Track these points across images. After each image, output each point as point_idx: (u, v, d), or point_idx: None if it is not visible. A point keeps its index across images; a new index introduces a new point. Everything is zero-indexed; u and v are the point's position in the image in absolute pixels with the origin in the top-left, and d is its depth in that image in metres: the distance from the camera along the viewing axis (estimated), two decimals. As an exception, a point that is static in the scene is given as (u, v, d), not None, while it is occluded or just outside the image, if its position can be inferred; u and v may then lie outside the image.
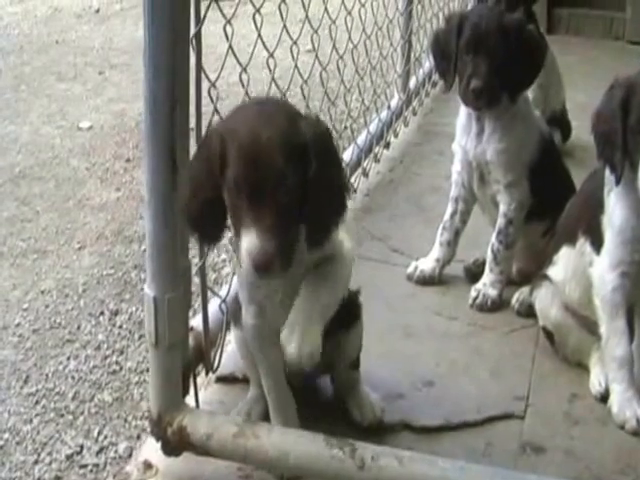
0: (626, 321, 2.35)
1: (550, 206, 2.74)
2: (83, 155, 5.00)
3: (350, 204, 3.27)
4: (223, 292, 2.27)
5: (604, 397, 2.39)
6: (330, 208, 1.75)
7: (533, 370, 2.51)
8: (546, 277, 2.59)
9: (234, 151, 1.67)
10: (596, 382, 2.43)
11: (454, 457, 1.91)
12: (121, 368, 3.27)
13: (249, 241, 1.64)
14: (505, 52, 2.72)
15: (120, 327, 3.47)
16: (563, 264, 2.53)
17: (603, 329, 2.37)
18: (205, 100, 2.03)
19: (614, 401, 2.34)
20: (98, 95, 5.98)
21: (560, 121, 3.93)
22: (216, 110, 2.07)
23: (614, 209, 2.32)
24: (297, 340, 1.77)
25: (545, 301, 2.58)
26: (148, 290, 1.89)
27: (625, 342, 2.34)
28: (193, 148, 1.92)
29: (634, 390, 2.33)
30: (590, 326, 2.47)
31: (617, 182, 2.27)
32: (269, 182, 1.65)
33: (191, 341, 2.04)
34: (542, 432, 2.27)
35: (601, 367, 2.44)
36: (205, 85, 2.00)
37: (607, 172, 2.33)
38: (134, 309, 3.55)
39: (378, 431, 2.14)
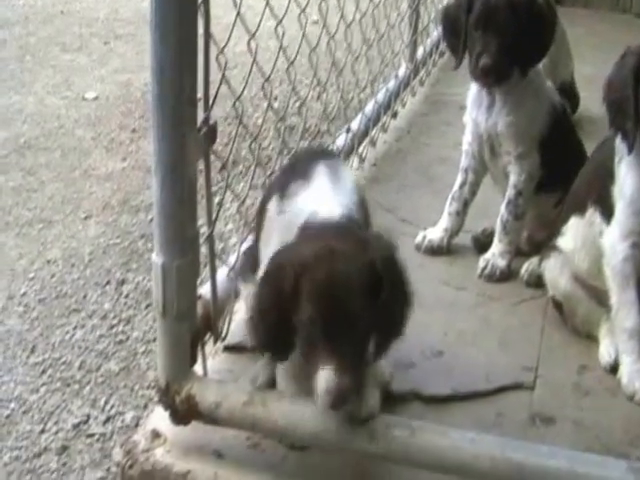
0: (636, 292, 2.31)
1: (561, 177, 2.70)
2: (89, 125, 4.96)
3: (357, 174, 3.28)
4: (231, 260, 2.24)
5: (614, 368, 2.36)
6: (397, 325, 1.76)
7: (542, 341, 2.47)
8: (555, 247, 2.55)
9: (311, 289, 1.65)
10: (606, 353, 2.40)
11: (464, 427, 1.88)
12: (127, 337, 3.25)
13: (326, 380, 1.63)
14: (515, 28, 2.67)
15: (126, 296, 3.45)
16: (572, 234, 2.49)
17: (613, 300, 2.34)
18: (212, 67, 1.99)
19: (624, 372, 2.31)
20: (103, 65, 5.94)
21: (569, 93, 3.88)
22: (224, 77, 2.03)
23: (625, 179, 2.29)
24: (359, 407, 1.79)
25: (554, 271, 2.54)
26: (156, 258, 1.85)
27: (635, 313, 2.30)
28: (200, 116, 1.88)
29: None
30: (599, 297, 2.43)
31: (629, 151, 2.23)
32: (347, 321, 1.64)
33: (199, 310, 2.00)
34: (551, 403, 2.24)
35: (611, 338, 2.41)
36: (213, 53, 1.96)
37: (618, 141, 2.30)
38: (141, 278, 3.53)
39: (387, 400, 2.11)
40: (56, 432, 2.84)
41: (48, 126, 4.96)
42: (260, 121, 4.38)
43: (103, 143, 4.73)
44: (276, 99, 4.51)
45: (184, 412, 1.91)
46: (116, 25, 6.79)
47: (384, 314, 1.69)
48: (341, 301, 1.63)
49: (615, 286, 2.33)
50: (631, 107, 2.20)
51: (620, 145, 2.29)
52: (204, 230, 2.07)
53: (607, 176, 2.34)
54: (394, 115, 3.80)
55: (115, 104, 5.23)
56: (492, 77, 2.72)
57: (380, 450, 1.79)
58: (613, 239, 2.32)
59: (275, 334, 1.73)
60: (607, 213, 2.34)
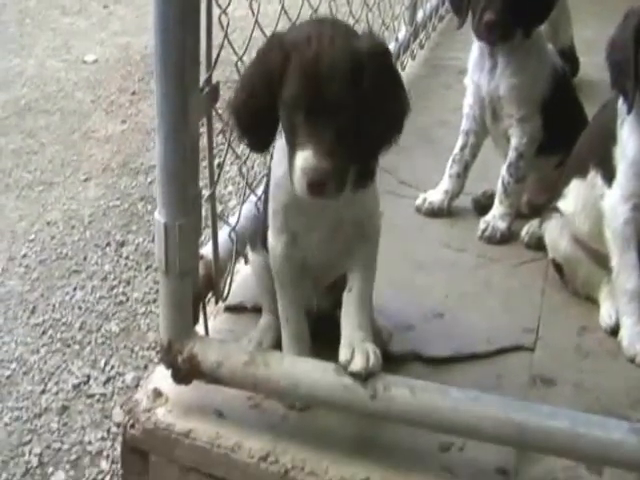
0: (637, 255, 2.30)
1: (562, 140, 2.67)
2: (88, 88, 4.92)
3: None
4: (233, 221, 2.21)
5: (614, 331, 2.34)
6: (383, 128, 1.70)
7: (543, 303, 2.45)
8: (556, 209, 2.53)
9: (297, 67, 1.63)
10: (606, 315, 2.38)
11: (464, 389, 1.87)
12: (128, 299, 3.24)
13: (305, 159, 1.61)
14: None
15: (127, 258, 3.44)
16: (573, 197, 2.47)
17: (614, 262, 2.33)
18: (215, 29, 1.96)
19: (624, 335, 2.30)
20: (103, 29, 5.89)
21: (568, 57, 3.84)
22: (227, 36, 2.00)
23: (627, 141, 2.26)
24: (361, 362, 1.78)
25: (554, 233, 2.52)
26: (158, 216, 1.83)
27: (636, 276, 2.29)
28: (203, 75, 1.86)
29: None
30: (600, 259, 2.41)
31: (629, 111, 2.22)
32: (330, 101, 1.61)
33: (201, 270, 1.98)
34: (552, 365, 2.22)
35: (611, 300, 2.39)
36: (215, 15, 1.93)
37: (620, 103, 2.28)
38: (141, 240, 3.52)
39: (387, 361, 2.09)
40: (56, 392, 2.84)
41: (48, 89, 4.92)
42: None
43: (103, 106, 4.70)
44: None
45: (186, 371, 1.89)
46: (115, -12, 6.73)
47: (368, 107, 1.65)
48: (326, 79, 1.61)
49: (616, 248, 2.32)
50: (631, 68, 2.18)
51: (622, 107, 2.26)
52: (206, 193, 2.05)
53: (609, 138, 2.32)
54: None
55: (115, 67, 5.19)
56: (496, 33, 2.68)
57: (380, 409, 1.78)
58: (614, 201, 2.30)
59: (258, 119, 1.72)
60: (608, 175, 2.32)
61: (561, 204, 2.51)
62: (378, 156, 1.76)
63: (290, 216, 1.86)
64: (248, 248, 2.17)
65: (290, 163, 1.66)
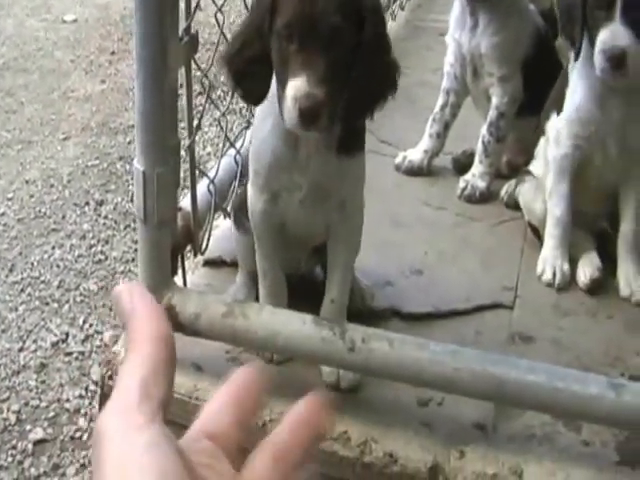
0: (570, 188, 2.34)
1: (543, 101, 2.63)
2: (68, 48, 4.85)
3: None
4: (212, 174, 2.17)
5: (591, 289, 2.33)
6: (377, 80, 1.65)
7: (522, 262, 2.43)
8: (529, 172, 2.52)
9: None
10: (582, 274, 2.36)
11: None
12: (106, 257, 3.20)
13: (297, 86, 1.55)
14: None
15: (105, 217, 3.40)
16: (542, 157, 2.46)
17: (548, 186, 2.38)
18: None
19: (542, 254, 2.38)
20: (83, -12, 5.79)
21: (549, 19, 3.80)
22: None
23: (576, 86, 2.29)
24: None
25: (528, 196, 2.51)
26: (137, 165, 1.78)
27: (565, 205, 2.34)
28: (183, 20, 1.81)
29: (563, 249, 2.35)
30: (574, 219, 2.39)
31: (576, 57, 2.22)
32: (323, 27, 1.56)
33: (179, 221, 1.94)
34: (531, 323, 2.20)
35: (588, 259, 2.37)
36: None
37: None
38: (119, 200, 3.47)
39: (367, 317, 2.07)
40: (35, 350, 2.81)
41: (27, 48, 4.85)
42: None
43: (82, 65, 4.63)
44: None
45: (163, 323, 1.85)
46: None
47: (364, 55, 1.61)
48: (318, 7, 1.56)
49: (552, 174, 2.36)
50: (579, 13, 2.16)
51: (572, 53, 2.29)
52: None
53: (565, 82, 2.35)
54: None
55: (94, 27, 5.12)
56: None
57: (358, 362, 1.74)
58: (559, 131, 2.32)
59: (252, 66, 1.67)
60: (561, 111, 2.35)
61: (532, 166, 2.51)
62: (372, 110, 1.70)
63: (272, 176, 1.81)
64: (232, 226, 2.12)
65: (280, 98, 1.61)
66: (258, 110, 1.83)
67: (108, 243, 3.27)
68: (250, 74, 1.68)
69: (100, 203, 3.47)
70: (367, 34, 1.60)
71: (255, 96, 1.72)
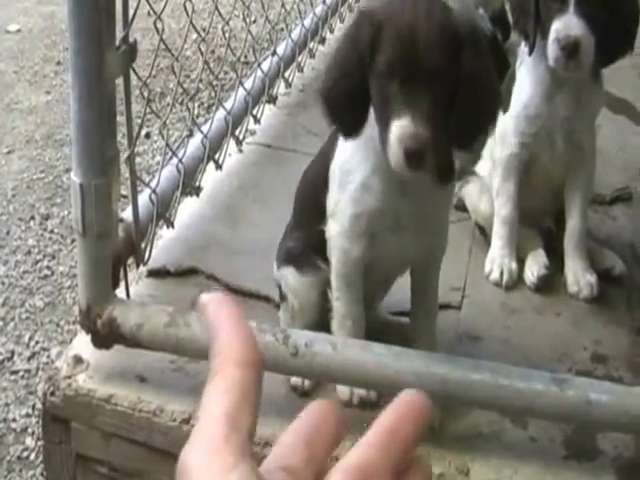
0: (517, 187, 2.41)
1: None
2: (11, 59, 4.86)
3: (285, 100, 3.26)
4: (153, 184, 2.22)
5: (538, 287, 2.41)
6: (478, 113, 1.66)
7: (470, 262, 2.50)
8: (474, 173, 2.60)
9: (391, 33, 1.59)
10: (529, 273, 2.44)
11: (387, 344, 1.90)
12: (53, 273, 3.23)
13: (401, 126, 1.55)
14: None
15: (51, 232, 3.42)
16: (489, 157, 2.53)
17: (495, 186, 2.45)
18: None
19: (489, 253, 2.45)
20: (26, -3, 5.80)
21: (499, 21, 3.89)
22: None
23: (523, 82, 2.35)
24: None
25: (473, 196, 2.59)
26: (74, 177, 1.83)
27: (512, 204, 2.41)
28: (120, 28, 1.85)
29: (510, 248, 2.43)
30: (520, 218, 2.47)
31: (530, 51, 2.28)
32: (427, 68, 1.56)
33: (121, 233, 1.99)
34: (479, 322, 2.27)
35: (534, 258, 2.45)
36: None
37: (522, 45, 2.35)
38: (66, 213, 3.50)
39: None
40: (-21, 370, 2.83)
41: (-32, 60, 4.86)
42: (189, 53, 4.34)
43: (26, 76, 4.65)
44: (205, 30, 4.45)
45: (106, 335, 1.90)
46: (39, -45, 6.63)
47: (465, 89, 1.61)
48: (421, 44, 1.56)
49: (499, 174, 2.43)
50: (532, 6, 2.23)
51: (522, 48, 2.35)
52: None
53: (511, 79, 2.40)
54: (322, 41, 3.77)
55: (39, 36, 5.13)
56: None
57: (302, 366, 1.80)
58: (506, 130, 2.39)
59: (349, 100, 1.66)
60: (507, 110, 2.40)
61: (478, 166, 2.59)
62: (472, 144, 1.74)
63: (376, 221, 1.79)
64: (281, 272, 2.04)
65: (383, 139, 1.60)
66: (353, 152, 1.79)
67: (55, 258, 3.30)
68: (347, 108, 1.67)
69: (46, 217, 3.50)
70: (466, 65, 1.61)
71: (351, 130, 1.70)
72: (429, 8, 1.62)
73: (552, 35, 2.16)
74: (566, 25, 2.14)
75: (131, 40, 1.89)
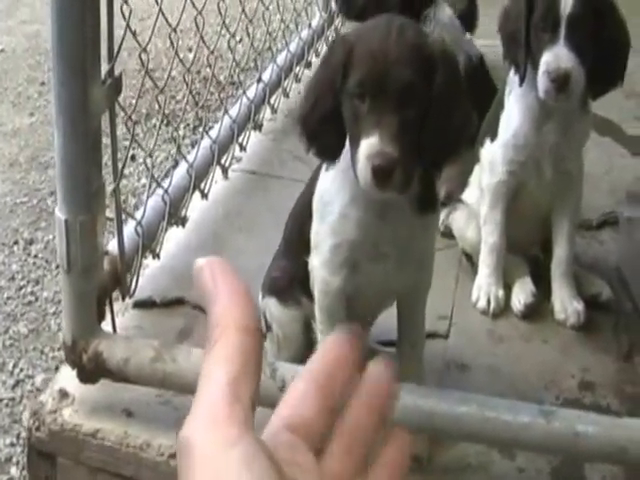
0: (504, 214, 2.43)
1: (478, 131, 2.70)
2: (-6, 79, 4.87)
3: (270, 125, 3.27)
4: (138, 215, 2.24)
5: (525, 315, 2.43)
6: (450, 133, 1.68)
7: (457, 290, 2.52)
8: (461, 200, 2.62)
9: (362, 54, 1.62)
10: (516, 300, 2.46)
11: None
12: (37, 298, 3.23)
13: (369, 145, 1.57)
14: None
15: (35, 257, 3.42)
16: (476, 184, 2.55)
17: (482, 213, 2.47)
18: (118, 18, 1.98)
19: (477, 281, 2.48)
20: (10, 16, 5.81)
21: (467, 18, 3.87)
22: (128, 28, 2.02)
23: (512, 111, 2.37)
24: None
25: (460, 223, 2.61)
26: (59, 213, 1.84)
27: (499, 232, 2.43)
28: (105, 61, 1.87)
29: (497, 276, 2.45)
30: (507, 245, 2.48)
31: (521, 82, 2.30)
32: (396, 86, 1.58)
33: (106, 266, 2.00)
34: (466, 350, 2.29)
35: (521, 286, 2.47)
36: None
37: (511, 73, 2.37)
38: (50, 237, 3.50)
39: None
40: (-37, 398, 2.82)
41: (-49, 80, 4.86)
42: (174, 73, 4.35)
43: (10, 98, 4.65)
44: (190, 50, 4.47)
45: (92, 370, 1.91)
46: (22, -26, 6.63)
47: (436, 111, 1.63)
48: (392, 63, 1.59)
49: (486, 202, 2.45)
50: (522, 36, 2.25)
51: (512, 77, 2.36)
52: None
53: (499, 106, 2.43)
54: (308, 65, 3.79)
55: (23, 57, 5.13)
56: None
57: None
58: (494, 158, 2.41)
59: (325, 125, 1.67)
60: (495, 137, 2.43)
61: (465, 194, 2.61)
62: (443, 165, 1.74)
63: (356, 249, 1.80)
64: (272, 301, 2.06)
65: (354, 160, 1.62)
66: (331, 181, 1.81)
67: (39, 283, 3.30)
68: (323, 132, 1.69)
69: (30, 242, 3.50)
70: (438, 86, 1.63)
71: (329, 155, 1.72)
72: (401, 31, 1.64)
73: (542, 67, 2.18)
74: (556, 57, 2.16)
75: (116, 73, 1.91)
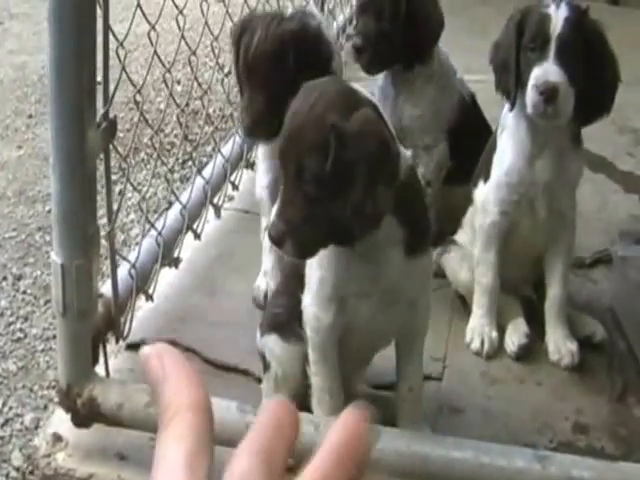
0: (498, 255, 2.47)
1: (472, 168, 2.69)
2: (-19, 112, 4.88)
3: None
4: (132, 257, 2.26)
5: (519, 356, 2.46)
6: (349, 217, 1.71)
7: (450, 331, 2.55)
8: (454, 241, 2.65)
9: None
10: (510, 342, 2.49)
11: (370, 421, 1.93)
12: (26, 335, 3.23)
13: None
14: (393, 15, 2.68)
15: (24, 292, 3.43)
16: (469, 225, 2.59)
17: (476, 254, 2.51)
18: (112, 53, 2.02)
19: (470, 322, 2.52)
20: (-3, 47, 5.83)
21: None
22: (124, 70, 2.06)
23: (505, 149, 2.41)
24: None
25: (453, 265, 2.64)
26: (55, 257, 1.87)
27: (492, 273, 2.47)
28: (100, 103, 1.90)
29: (491, 318, 2.49)
30: (501, 286, 2.52)
31: (511, 106, 2.34)
32: (291, 163, 1.69)
33: (100, 308, 2.03)
34: (460, 393, 2.32)
35: (514, 327, 2.50)
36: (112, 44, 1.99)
37: (503, 112, 2.42)
38: (39, 273, 3.50)
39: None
40: (-49, 437, 2.82)
41: (-63, 112, 4.87)
42: (162, 106, 4.38)
43: (-3, 130, 4.67)
44: (179, 83, 4.50)
45: (86, 414, 1.94)
46: (10, 3, 6.63)
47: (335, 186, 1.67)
48: (292, 141, 1.70)
49: (480, 243, 2.49)
50: (512, 64, 2.30)
51: (504, 115, 2.41)
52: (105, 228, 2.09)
53: (492, 146, 2.47)
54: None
55: (10, 88, 5.15)
56: (364, 60, 2.74)
57: (286, 446, 1.83)
58: (486, 199, 2.45)
59: None
60: (487, 177, 2.47)
61: (458, 235, 2.64)
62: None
63: (341, 284, 1.86)
64: (265, 340, 2.09)
65: None
66: None
67: (27, 320, 3.30)
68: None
69: (18, 277, 3.50)
70: (331, 169, 1.65)
71: None
72: (317, 100, 1.69)
73: (531, 82, 2.23)
74: (545, 72, 2.21)
75: (111, 116, 1.94)
